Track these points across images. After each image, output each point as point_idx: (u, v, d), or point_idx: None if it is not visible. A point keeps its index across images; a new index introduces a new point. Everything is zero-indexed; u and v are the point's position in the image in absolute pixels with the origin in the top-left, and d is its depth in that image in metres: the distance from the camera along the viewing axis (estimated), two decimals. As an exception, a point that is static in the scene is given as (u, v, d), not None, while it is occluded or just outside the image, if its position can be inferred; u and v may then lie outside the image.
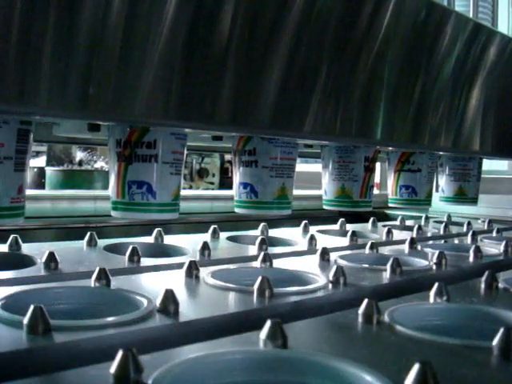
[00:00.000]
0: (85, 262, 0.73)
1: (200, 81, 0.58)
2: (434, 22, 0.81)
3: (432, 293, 0.62)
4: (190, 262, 0.68)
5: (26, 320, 0.45)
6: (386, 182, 1.13)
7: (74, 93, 0.49)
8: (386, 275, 0.74)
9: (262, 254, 0.76)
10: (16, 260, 0.75)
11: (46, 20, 0.46)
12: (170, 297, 0.52)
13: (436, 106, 0.86)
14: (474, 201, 1.17)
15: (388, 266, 0.75)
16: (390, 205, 1.10)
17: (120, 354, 0.36)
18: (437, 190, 1.20)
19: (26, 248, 0.80)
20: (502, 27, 1.01)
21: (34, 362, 0.42)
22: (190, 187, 3.77)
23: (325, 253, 0.82)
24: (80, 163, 3.89)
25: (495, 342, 0.45)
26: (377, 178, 1.90)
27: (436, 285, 0.62)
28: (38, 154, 3.87)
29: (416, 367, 0.36)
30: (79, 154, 3.95)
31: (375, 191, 1.05)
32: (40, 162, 3.82)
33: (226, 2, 0.57)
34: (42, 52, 0.46)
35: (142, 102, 0.54)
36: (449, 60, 0.85)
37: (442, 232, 1.23)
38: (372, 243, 0.91)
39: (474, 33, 0.87)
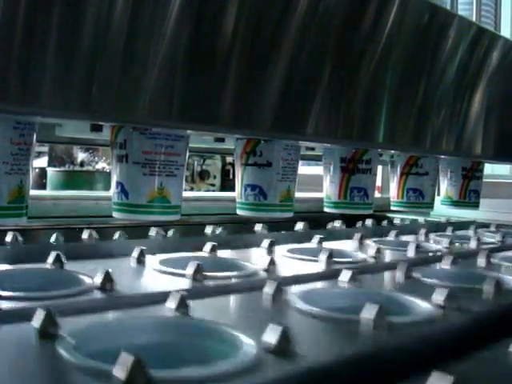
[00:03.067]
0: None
1: (203, 82, 0.58)
2: (437, 25, 0.81)
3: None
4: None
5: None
6: (388, 185, 1.13)
7: (77, 93, 0.49)
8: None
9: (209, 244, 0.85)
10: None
11: (49, 20, 0.46)
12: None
13: (438, 110, 0.86)
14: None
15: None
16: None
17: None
18: (438, 194, 1.20)
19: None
20: (505, 31, 1.01)
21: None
22: (191, 189, 3.77)
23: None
24: (81, 164, 3.89)
25: (362, 314, 0.51)
26: (378, 182, 1.90)
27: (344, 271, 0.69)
28: (39, 154, 3.87)
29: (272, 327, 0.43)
30: (81, 155, 3.95)
31: (376, 194, 1.05)
32: (41, 162, 3.82)
33: (229, 5, 0.57)
34: (45, 52, 0.47)
35: (144, 103, 0.54)
36: (451, 64, 0.85)
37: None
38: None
39: (476, 37, 0.87)
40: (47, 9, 0.46)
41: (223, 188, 3.96)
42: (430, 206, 1.08)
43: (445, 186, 1.17)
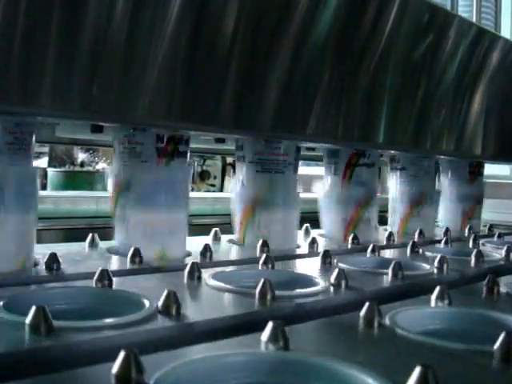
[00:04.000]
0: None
1: (203, 83, 0.58)
2: (437, 26, 0.81)
3: (433, 296, 0.62)
4: (192, 263, 0.68)
5: (28, 320, 0.45)
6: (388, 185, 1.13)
7: (77, 94, 0.49)
8: (388, 279, 0.74)
9: (264, 256, 0.76)
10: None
11: (50, 21, 0.46)
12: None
13: (438, 111, 0.86)
14: None
15: (390, 270, 0.74)
16: None
17: (122, 354, 0.36)
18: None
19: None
20: (505, 32, 1.01)
21: (35, 362, 0.42)
22: (192, 189, 3.77)
23: (326, 256, 0.82)
24: (82, 164, 3.89)
25: (496, 346, 0.45)
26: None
27: (437, 288, 0.62)
28: (39, 154, 3.87)
29: (417, 370, 0.36)
30: (81, 156, 3.95)
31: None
32: (42, 163, 3.82)
33: (229, 6, 0.57)
34: (46, 53, 0.47)
35: (145, 104, 0.54)
36: (451, 64, 0.85)
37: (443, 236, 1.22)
38: (374, 246, 0.91)
39: (476, 37, 0.87)
40: (48, 10, 0.46)
41: (223, 188, 3.95)
42: None
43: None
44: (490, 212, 1.59)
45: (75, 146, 3.07)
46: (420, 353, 0.47)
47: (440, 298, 0.62)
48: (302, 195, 0.96)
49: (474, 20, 0.98)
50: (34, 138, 0.63)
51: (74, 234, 1.22)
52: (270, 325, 0.44)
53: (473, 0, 0.98)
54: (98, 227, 1.25)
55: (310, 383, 0.40)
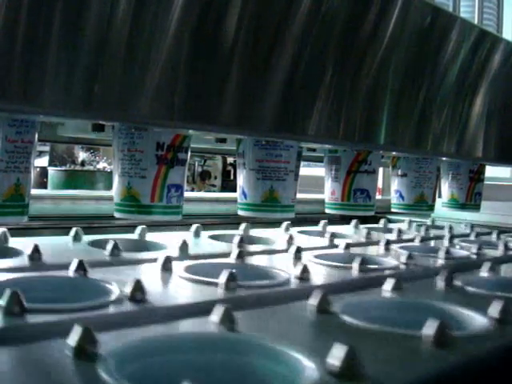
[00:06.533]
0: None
1: (205, 82, 0.58)
2: (439, 27, 0.81)
3: (385, 287, 0.66)
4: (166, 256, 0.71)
5: (2, 302, 0.48)
6: (389, 187, 1.13)
7: (79, 92, 0.49)
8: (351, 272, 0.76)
9: (237, 250, 0.79)
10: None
11: (52, 19, 0.46)
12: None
13: (440, 112, 0.86)
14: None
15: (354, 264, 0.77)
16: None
17: (77, 327, 0.41)
18: (439, 196, 1.19)
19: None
20: (507, 34, 1.01)
21: (8, 339, 0.45)
22: (192, 189, 3.77)
23: (298, 251, 0.84)
24: (82, 163, 3.90)
25: (423, 330, 0.48)
26: (379, 184, 1.90)
27: (390, 280, 0.66)
28: (40, 153, 3.87)
29: (337, 347, 0.40)
30: (82, 155, 3.96)
31: (377, 196, 1.05)
32: (42, 161, 3.82)
33: (231, 5, 0.57)
34: (47, 51, 0.47)
35: (146, 103, 0.54)
36: (453, 66, 0.85)
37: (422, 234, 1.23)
38: (347, 243, 0.94)
39: (478, 39, 0.87)
40: (49, 7, 0.46)
41: (223, 189, 3.96)
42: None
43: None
44: (490, 214, 1.59)
45: (76, 144, 3.07)
46: (350, 335, 0.50)
47: (394, 289, 0.65)
48: (305, 196, 0.97)
49: (475, 20, 0.98)
50: (36, 137, 0.63)
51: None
52: (218, 307, 0.49)
53: (475, 0, 0.98)
54: (99, 226, 1.25)
55: (245, 360, 0.44)
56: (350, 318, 0.53)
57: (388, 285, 0.66)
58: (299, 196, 0.88)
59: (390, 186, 1.11)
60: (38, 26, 0.46)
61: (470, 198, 1.15)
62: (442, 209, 1.21)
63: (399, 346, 0.48)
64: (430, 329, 0.48)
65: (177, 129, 0.68)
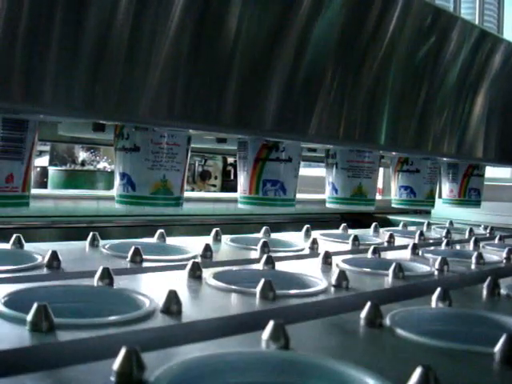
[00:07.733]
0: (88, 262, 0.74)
1: (205, 82, 0.58)
2: (440, 28, 0.81)
3: (434, 298, 0.62)
4: (193, 262, 0.68)
5: (29, 317, 0.45)
6: (389, 187, 1.13)
7: (80, 92, 0.49)
8: (388, 280, 0.74)
9: (265, 256, 0.76)
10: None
11: (52, 19, 0.46)
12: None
13: (440, 112, 0.86)
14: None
15: (390, 271, 0.75)
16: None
17: (123, 351, 0.36)
18: (440, 196, 1.19)
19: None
20: (507, 34, 1.01)
21: (37, 359, 0.42)
22: (193, 189, 3.77)
23: (327, 256, 0.83)
24: (83, 163, 3.89)
25: (497, 348, 0.45)
26: (379, 184, 1.90)
27: (438, 290, 0.62)
28: (41, 153, 3.87)
29: (418, 371, 0.36)
30: (82, 154, 3.96)
31: (377, 196, 1.05)
32: (43, 161, 3.82)
33: (231, 5, 0.57)
34: (48, 51, 0.47)
35: (147, 103, 0.54)
36: (453, 66, 0.85)
37: (444, 238, 1.22)
38: (374, 248, 0.92)
39: (479, 40, 0.87)
40: (50, 8, 0.46)
41: (224, 189, 3.96)
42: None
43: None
44: (490, 215, 1.59)
45: (76, 144, 3.07)
46: (420, 354, 0.47)
47: (441, 299, 0.62)
48: (305, 196, 0.97)
49: (476, 21, 0.98)
50: (36, 137, 0.63)
51: (74, 233, 1.22)
52: (270, 323, 0.44)
53: (475, 1, 0.98)
54: (99, 226, 1.25)
55: (309, 383, 0.40)
56: (409, 333, 0.50)
57: (436, 295, 0.62)
58: (299, 196, 0.88)
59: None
60: (38, 26, 0.46)
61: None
62: (442, 209, 1.21)
63: (473, 365, 0.45)
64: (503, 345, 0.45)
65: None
